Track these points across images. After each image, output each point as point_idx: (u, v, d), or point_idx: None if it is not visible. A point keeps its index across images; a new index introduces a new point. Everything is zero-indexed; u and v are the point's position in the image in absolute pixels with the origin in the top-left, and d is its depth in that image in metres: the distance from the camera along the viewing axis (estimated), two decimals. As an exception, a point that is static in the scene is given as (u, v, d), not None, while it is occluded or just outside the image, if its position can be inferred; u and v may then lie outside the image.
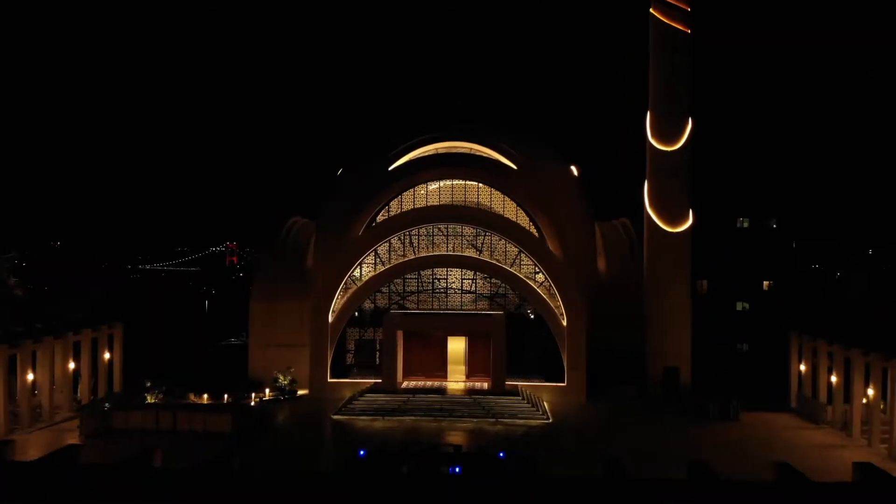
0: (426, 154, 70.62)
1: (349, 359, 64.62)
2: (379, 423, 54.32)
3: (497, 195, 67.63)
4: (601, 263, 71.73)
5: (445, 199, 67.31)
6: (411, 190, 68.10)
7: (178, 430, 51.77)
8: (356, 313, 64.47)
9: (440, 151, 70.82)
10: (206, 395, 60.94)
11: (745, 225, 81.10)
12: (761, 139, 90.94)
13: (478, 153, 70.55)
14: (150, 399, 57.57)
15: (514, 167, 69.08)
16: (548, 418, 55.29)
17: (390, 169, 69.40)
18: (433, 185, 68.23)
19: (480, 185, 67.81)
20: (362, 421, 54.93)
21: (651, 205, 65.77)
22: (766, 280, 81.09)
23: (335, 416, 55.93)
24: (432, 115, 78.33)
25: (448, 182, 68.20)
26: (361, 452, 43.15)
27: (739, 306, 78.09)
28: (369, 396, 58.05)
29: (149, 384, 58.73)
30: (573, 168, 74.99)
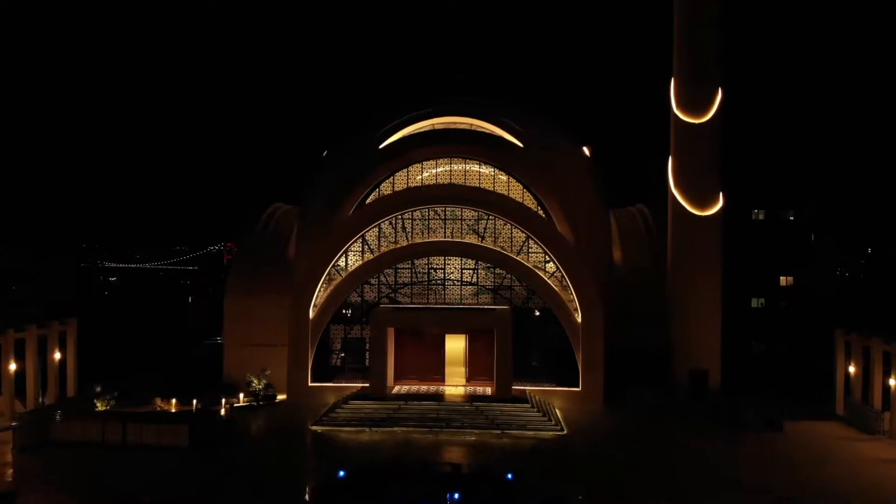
0: (421, 130, 62.96)
1: (333, 360, 56.81)
2: (365, 436, 46.59)
3: (501, 176, 59.98)
4: (616, 254, 64.11)
5: (443, 180, 59.52)
6: (405, 170, 60.42)
7: (128, 443, 44.18)
8: (342, 308, 56.57)
9: (437, 127, 63.13)
10: (174, 401, 53.46)
11: (761, 217, 75.54)
12: (781, 122, 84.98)
13: (479, 129, 62.87)
14: (100, 406, 49.80)
15: (521, 145, 61.46)
16: (561, 429, 47.55)
17: (381, 147, 61.84)
18: (429, 165, 60.39)
19: (482, 164, 60.14)
20: (345, 433, 47.21)
21: (676, 185, 58.00)
22: (783, 276, 75.42)
23: (314, 427, 48.20)
24: (429, 91, 70.42)
25: (446, 161, 60.43)
26: (341, 473, 35.95)
27: (755, 303, 73.35)
28: (355, 403, 50.30)
29: (98, 389, 50.96)
30: (585, 149, 67.36)
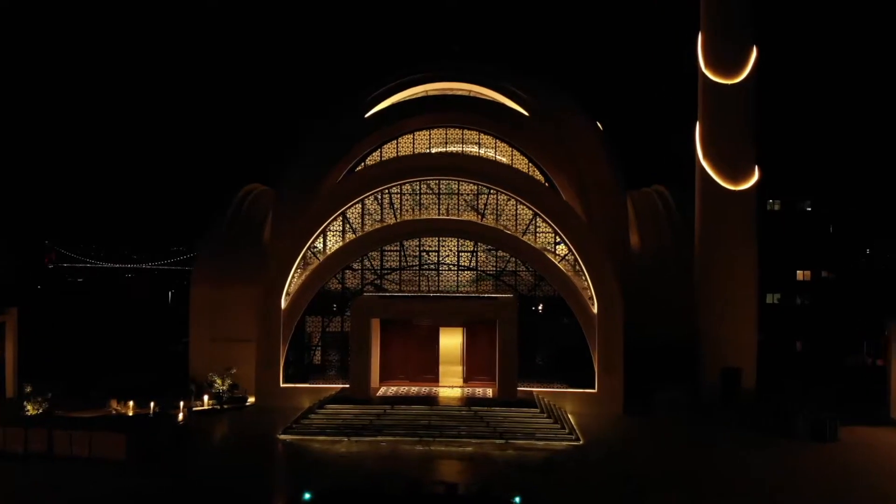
0: (414, 97, 55.43)
1: (309, 357, 49.12)
2: (342, 447, 39.03)
3: (504, 148, 52.43)
4: (634, 238, 56.62)
5: (435, 162, 51.53)
6: (394, 142, 52.94)
7: (56, 454, 36.70)
8: (320, 297, 48.92)
9: (431, 94, 55.59)
10: (131, 403, 46.63)
11: (777, 208, 72.56)
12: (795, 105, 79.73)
13: (479, 96, 55.40)
14: (30, 410, 42.24)
15: (526, 114, 54.02)
16: (576, 438, 39.95)
17: (367, 116, 54.37)
18: (422, 136, 52.86)
19: (482, 134, 52.45)
20: (320, 443, 39.64)
21: (705, 155, 50.41)
22: (800, 269, 71.51)
23: (282, 436, 40.59)
24: (421, 59, 62.66)
25: (441, 131, 52.87)
26: (307, 496, 28.83)
27: (770, 298, 69.41)
28: (332, 408, 42.71)
29: (29, 389, 43.43)
30: (598, 124, 59.93)
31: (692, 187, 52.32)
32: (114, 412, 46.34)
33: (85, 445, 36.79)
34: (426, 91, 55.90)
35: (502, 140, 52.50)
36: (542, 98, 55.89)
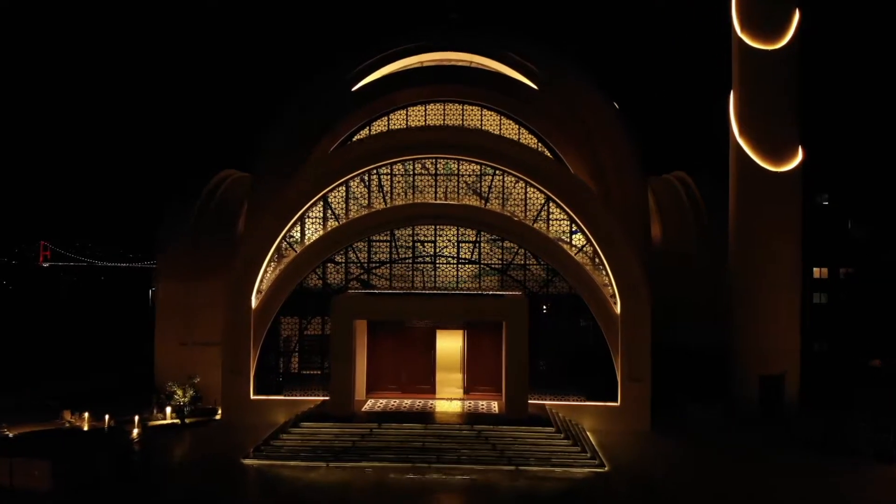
0: (407, 68, 48.86)
1: (284, 364, 42.37)
2: (319, 474, 32.39)
3: (510, 126, 45.87)
4: (655, 230, 50.19)
5: (432, 137, 44.83)
6: (384, 118, 46.37)
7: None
8: (298, 294, 42.18)
9: (426, 65, 49.02)
10: (86, 415, 40.79)
11: None
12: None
13: (481, 67, 48.87)
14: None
15: (534, 87, 47.47)
16: (600, 464, 33.26)
17: (354, 89, 47.84)
18: (416, 112, 46.35)
19: (486, 110, 45.97)
20: (291, 469, 32.95)
21: (741, 132, 43.87)
22: (816, 266, 64.52)
23: (248, 461, 33.83)
24: (415, 27, 55.84)
25: (438, 106, 46.31)
26: None
27: None
28: (308, 426, 36.00)
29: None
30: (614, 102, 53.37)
31: (718, 173, 46.43)
32: (67, 425, 40.70)
33: (6, 473, 30.22)
34: (421, 62, 49.42)
35: (508, 117, 45.98)
36: (553, 70, 49.33)
